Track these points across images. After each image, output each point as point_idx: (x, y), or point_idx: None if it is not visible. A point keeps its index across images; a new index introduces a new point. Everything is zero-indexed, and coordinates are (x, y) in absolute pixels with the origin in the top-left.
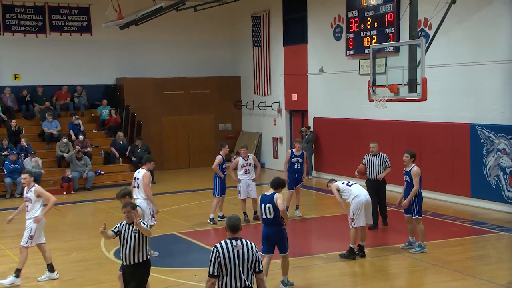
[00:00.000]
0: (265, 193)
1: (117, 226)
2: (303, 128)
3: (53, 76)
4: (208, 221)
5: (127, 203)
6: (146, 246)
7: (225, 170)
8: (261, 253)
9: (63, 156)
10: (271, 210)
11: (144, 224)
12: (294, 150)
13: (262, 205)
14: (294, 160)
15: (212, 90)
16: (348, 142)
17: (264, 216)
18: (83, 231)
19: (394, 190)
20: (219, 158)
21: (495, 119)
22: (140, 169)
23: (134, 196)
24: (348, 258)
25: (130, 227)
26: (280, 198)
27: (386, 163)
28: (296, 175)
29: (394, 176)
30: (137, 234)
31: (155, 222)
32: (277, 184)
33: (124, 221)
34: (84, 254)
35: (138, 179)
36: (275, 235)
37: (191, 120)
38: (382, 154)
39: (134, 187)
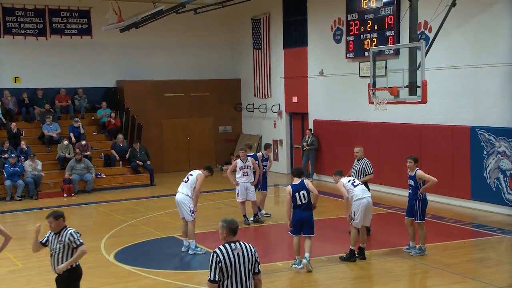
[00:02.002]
0: (293, 183)
1: (47, 235)
2: (303, 144)
3: (53, 79)
4: (265, 215)
5: (50, 214)
6: (72, 254)
7: (265, 167)
8: (291, 234)
9: (65, 156)
10: (306, 195)
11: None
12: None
13: (296, 193)
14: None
15: (212, 93)
16: (348, 145)
17: (299, 203)
18: (83, 234)
19: (389, 192)
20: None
21: (495, 122)
22: (196, 170)
23: (179, 190)
24: (348, 260)
25: (56, 237)
26: (310, 183)
27: (366, 170)
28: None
29: (393, 178)
30: (62, 244)
31: (194, 217)
32: (301, 173)
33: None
34: (84, 256)
35: (191, 175)
36: (308, 219)
37: (191, 123)
38: (365, 160)
39: (183, 181)
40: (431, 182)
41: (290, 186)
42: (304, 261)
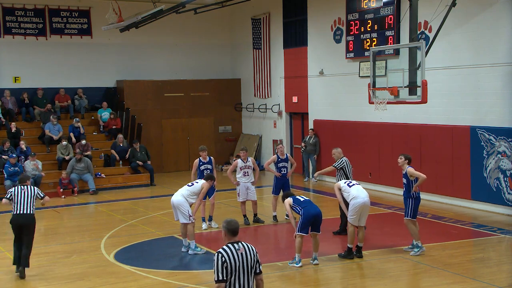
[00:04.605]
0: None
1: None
2: (302, 144)
3: (53, 78)
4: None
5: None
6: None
7: (282, 169)
8: (300, 233)
9: (65, 158)
10: (303, 196)
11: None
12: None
13: (297, 196)
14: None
15: (212, 93)
16: (348, 145)
17: (302, 199)
18: (83, 234)
19: (389, 192)
20: (273, 158)
21: (495, 122)
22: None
23: (179, 192)
24: (346, 257)
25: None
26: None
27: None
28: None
29: (393, 178)
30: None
31: (193, 221)
32: (291, 194)
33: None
34: (84, 256)
35: (197, 182)
36: (321, 214)
37: (191, 123)
38: (343, 158)
39: (187, 185)
40: (421, 178)
41: (289, 198)
42: (316, 261)
